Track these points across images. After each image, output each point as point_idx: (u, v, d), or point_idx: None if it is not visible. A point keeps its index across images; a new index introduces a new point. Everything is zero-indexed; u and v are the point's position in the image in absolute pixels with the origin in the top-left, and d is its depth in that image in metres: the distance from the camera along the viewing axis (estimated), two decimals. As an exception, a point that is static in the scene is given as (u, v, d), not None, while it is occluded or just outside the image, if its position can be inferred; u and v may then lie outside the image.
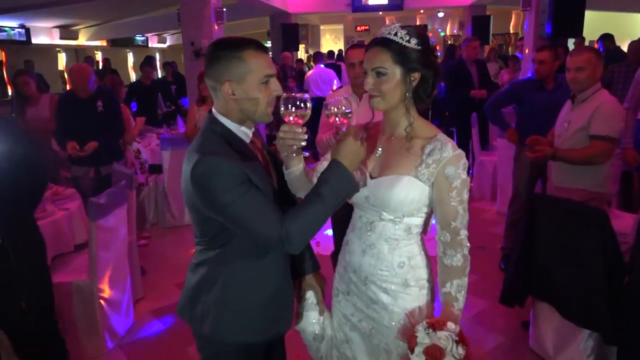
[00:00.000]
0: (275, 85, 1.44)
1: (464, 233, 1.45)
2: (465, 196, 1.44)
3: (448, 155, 1.42)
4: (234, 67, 1.39)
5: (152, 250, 4.45)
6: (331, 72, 7.97)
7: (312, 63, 9.36)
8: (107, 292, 2.89)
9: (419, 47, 1.43)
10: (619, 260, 2.30)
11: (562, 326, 2.52)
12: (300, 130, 1.38)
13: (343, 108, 1.39)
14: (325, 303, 1.70)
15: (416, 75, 1.44)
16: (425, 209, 1.49)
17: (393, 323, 1.50)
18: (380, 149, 1.54)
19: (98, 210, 2.71)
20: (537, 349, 2.74)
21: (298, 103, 1.36)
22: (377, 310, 1.52)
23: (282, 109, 1.37)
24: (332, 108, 1.40)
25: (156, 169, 5.17)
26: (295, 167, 1.49)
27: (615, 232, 2.28)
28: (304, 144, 1.40)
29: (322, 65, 8.08)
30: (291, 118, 1.38)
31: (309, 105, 1.38)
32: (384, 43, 1.43)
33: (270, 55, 1.58)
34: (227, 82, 1.40)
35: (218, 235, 1.45)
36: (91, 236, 2.71)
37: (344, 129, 1.42)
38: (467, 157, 5.71)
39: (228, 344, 1.51)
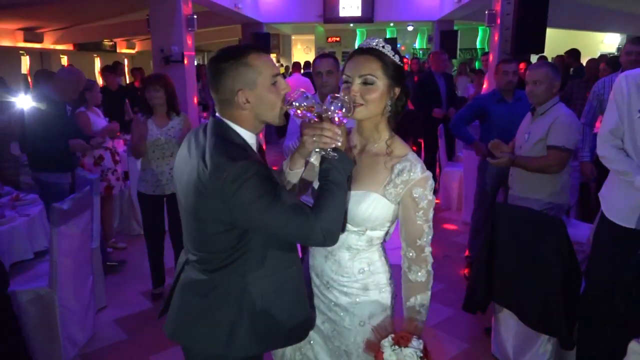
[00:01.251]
0: (283, 84, 1.43)
1: (428, 250, 1.49)
2: (431, 215, 1.48)
3: (416, 177, 1.44)
4: (243, 75, 1.37)
5: (117, 258, 4.35)
6: (307, 80, 8.52)
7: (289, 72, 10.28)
8: (67, 300, 2.81)
9: (400, 64, 1.48)
10: (575, 268, 2.39)
11: (522, 332, 2.60)
12: (339, 131, 1.37)
13: (304, 103, 1.37)
14: None
15: (397, 91, 1.48)
16: (388, 224, 1.52)
17: (353, 325, 1.53)
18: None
19: (60, 216, 2.65)
20: (498, 355, 2.81)
21: (347, 105, 1.35)
22: (338, 313, 1.55)
23: (327, 107, 1.35)
24: (295, 103, 1.38)
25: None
26: (300, 169, 1.51)
27: (571, 241, 2.37)
28: (339, 144, 1.39)
29: (300, 74, 8.85)
30: (336, 118, 1.35)
31: (349, 114, 1.37)
32: (374, 53, 1.45)
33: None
34: (240, 91, 1.38)
35: (238, 244, 1.39)
36: (52, 243, 2.64)
37: (312, 119, 1.39)
38: (434, 167, 5.87)
39: (247, 356, 1.46)
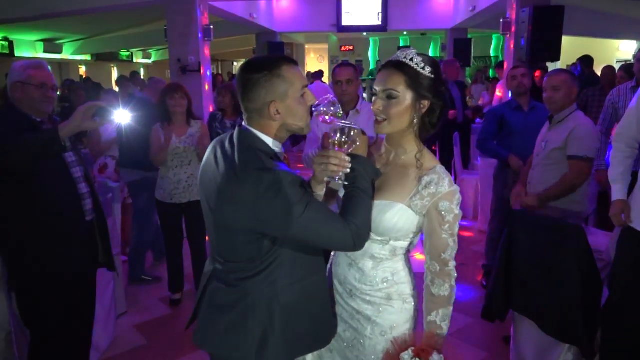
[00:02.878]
0: (309, 96, 1.45)
1: (452, 264, 1.47)
2: (456, 229, 1.46)
3: (444, 191, 1.43)
4: (276, 86, 1.39)
5: (153, 273, 4.39)
6: (327, 87, 9.21)
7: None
8: (90, 305, 2.86)
9: (432, 76, 1.45)
10: (594, 276, 2.37)
11: (542, 340, 2.58)
12: (347, 157, 1.39)
13: (332, 108, 1.42)
14: None
15: (425, 103, 1.46)
16: (412, 235, 1.52)
17: (375, 334, 1.52)
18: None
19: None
20: (517, 364, 2.79)
21: (348, 132, 1.38)
22: (361, 321, 1.54)
23: (333, 136, 1.39)
24: (322, 108, 1.42)
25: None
26: (321, 192, 1.51)
27: (591, 249, 2.36)
28: (348, 171, 1.40)
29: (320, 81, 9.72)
30: (343, 147, 1.39)
31: (357, 138, 1.39)
32: (399, 66, 1.45)
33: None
34: (272, 103, 1.39)
35: (268, 253, 1.41)
36: (76, 249, 2.69)
37: (337, 123, 1.41)
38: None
39: None
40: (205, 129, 3.60)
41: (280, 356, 1.45)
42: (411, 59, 1.45)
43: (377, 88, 1.48)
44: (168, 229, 3.65)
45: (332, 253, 1.67)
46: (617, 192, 2.34)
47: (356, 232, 1.35)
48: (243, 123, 1.48)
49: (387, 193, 1.49)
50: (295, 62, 1.47)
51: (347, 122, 1.41)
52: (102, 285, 3.02)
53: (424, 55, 1.47)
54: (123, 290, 3.58)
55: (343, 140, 1.38)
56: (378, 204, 1.47)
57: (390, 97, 1.45)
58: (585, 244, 2.31)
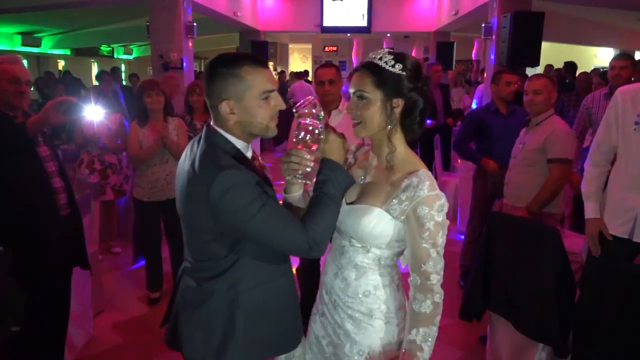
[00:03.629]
0: (276, 100, 1.41)
1: (435, 278, 1.36)
2: (440, 240, 1.36)
3: (422, 195, 1.34)
4: (231, 85, 1.35)
5: (114, 262, 4.36)
6: (310, 87, 9.53)
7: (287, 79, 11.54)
8: (66, 303, 2.82)
9: (403, 73, 1.38)
10: (569, 277, 2.42)
11: (517, 340, 2.62)
12: (307, 156, 1.37)
13: (313, 110, 1.39)
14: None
15: (399, 102, 1.39)
16: (396, 244, 1.44)
17: (352, 352, 1.46)
18: (363, 177, 1.51)
19: (61, 219, 2.66)
20: (493, 363, 2.83)
21: (312, 131, 1.36)
22: (341, 337, 1.49)
23: (297, 134, 1.37)
24: (303, 110, 1.39)
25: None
26: (296, 192, 1.46)
27: (566, 251, 2.41)
28: (309, 169, 1.38)
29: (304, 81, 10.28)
30: (307, 145, 1.37)
31: (321, 134, 1.37)
32: (368, 66, 1.40)
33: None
34: (225, 101, 1.36)
35: (231, 252, 1.39)
36: (52, 246, 2.65)
37: (317, 127, 1.38)
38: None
39: None
40: (182, 125, 3.57)
41: (242, 358, 1.44)
42: (380, 58, 1.39)
43: (349, 91, 1.44)
44: (146, 227, 3.62)
45: (323, 263, 1.62)
46: (592, 210, 2.32)
47: (312, 237, 1.31)
48: (211, 122, 1.47)
49: (367, 197, 1.44)
50: (264, 63, 1.42)
51: (315, 121, 1.38)
52: (79, 283, 2.98)
53: (397, 53, 1.40)
54: (101, 288, 3.53)
55: (307, 138, 1.35)
56: (357, 208, 1.43)
57: (361, 98, 1.40)
58: (561, 246, 2.36)
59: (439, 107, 5.88)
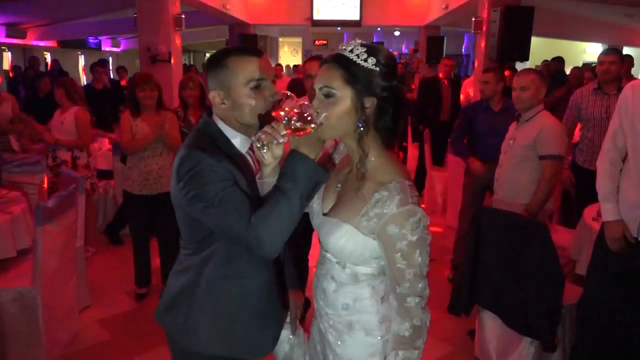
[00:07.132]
0: (270, 90, 1.36)
1: (412, 301, 1.21)
2: (418, 260, 1.20)
3: (390, 212, 1.17)
4: (218, 76, 1.37)
5: (101, 257, 4.31)
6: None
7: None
8: (50, 299, 2.77)
9: (377, 68, 1.20)
10: (557, 272, 2.43)
11: (505, 334, 2.64)
12: (284, 132, 1.19)
13: (294, 108, 1.21)
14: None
15: (372, 101, 1.21)
16: (374, 261, 1.28)
17: None
18: (339, 184, 1.36)
19: (45, 214, 2.61)
20: (481, 357, 2.84)
21: (301, 112, 1.18)
22: (325, 347, 1.41)
23: (284, 107, 1.21)
24: (286, 108, 1.22)
25: (106, 174, 5.03)
26: (270, 179, 1.29)
27: (554, 246, 2.41)
28: (282, 140, 1.21)
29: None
30: (290, 123, 1.19)
31: (311, 123, 1.18)
32: (337, 59, 1.22)
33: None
34: (213, 92, 1.39)
35: (205, 239, 1.40)
36: (36, 241, 2.61)
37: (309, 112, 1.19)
38: (424, 173, 5.88)
39: (203, 354, 1.46)
40: (174, 119, 3.52)
41: (215, 346, 1.45)
42: (351, 50, 1.21)
43: (315, 86, 1.25)
44: (135, 221, 3.57)
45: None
46: (612, 212, 2.18)
47: (255, 235, 1.20)
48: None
49: (340, 209, 1.30)
50: (256, 52, 1.38)
51: (309, 109, 1.20)
52: (64, 278, 2.93)
53: (370, 45, 1.23)
54: (86, 283, 3.48)
55: (293, 120, 1.17)
56: (327, 222, 1.30)
57: (327, 96, 1.21)
58: (550, 241, 2.37)
59: (447, 102, 5.85)
